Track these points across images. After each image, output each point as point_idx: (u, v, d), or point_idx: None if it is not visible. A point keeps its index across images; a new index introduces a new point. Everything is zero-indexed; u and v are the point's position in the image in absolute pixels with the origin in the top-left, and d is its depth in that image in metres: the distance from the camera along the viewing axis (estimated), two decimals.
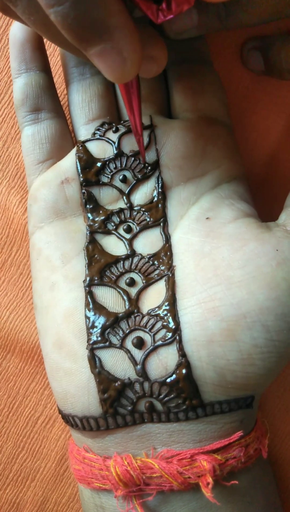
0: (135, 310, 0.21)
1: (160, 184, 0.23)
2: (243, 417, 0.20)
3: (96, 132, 0.24)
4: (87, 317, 0.21)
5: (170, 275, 0.21)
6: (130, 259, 0.22)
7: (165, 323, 0.20)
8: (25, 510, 0.27)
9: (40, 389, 0.28)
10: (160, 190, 0.23)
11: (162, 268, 0.22)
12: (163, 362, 0.20)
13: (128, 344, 0.20)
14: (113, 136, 0.23)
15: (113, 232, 0.23)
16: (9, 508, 0.28)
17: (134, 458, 0.20)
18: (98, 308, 0.21)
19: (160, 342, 0.20)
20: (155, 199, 0.23)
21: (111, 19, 0.15)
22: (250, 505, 0.21)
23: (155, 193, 0.23)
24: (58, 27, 0.15)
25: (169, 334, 0.20)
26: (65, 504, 0.27)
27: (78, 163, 0.23)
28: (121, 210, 0.23)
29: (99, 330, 0.20)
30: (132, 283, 0.22)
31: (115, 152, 0.23)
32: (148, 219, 0.23)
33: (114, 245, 0.23)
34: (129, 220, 0.23)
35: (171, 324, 0.20)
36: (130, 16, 0.16)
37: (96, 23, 0.15)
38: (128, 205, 0.23)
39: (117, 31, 0.15)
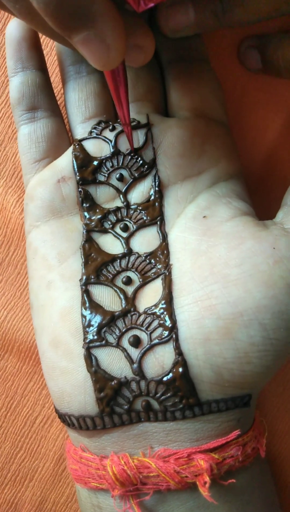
0: (132, 309, 0.21)
1: (157, 183, 0.23)
2: (240, 416, 0.20)
3: (92, 130, 0.24)
4: (83, 316, 0.21)
5: (167, 273, 0.21)
6: (127, 257, 0.22)
7: (161, 322, 0.20)
8: (23, 510, 0.27)
9: (38, 388, 0.28)
10: (157, 188, 0.23)
11: (159, 266, 0.22)
12: (159, 361, 0.20)
13: (125, 342, 0.20)
14: (110, 135, 0.23)
15: (109, 230, 0.23)
16: (7, 508, 0.28)
17: (131, 457, 0.20)
18: (95, 306, 0.21)
19: (156, 341, 0.20)
20: (152, 197, 0.23)
21: (94, 6, 0.15)
22: (248, 504, 0.21)
23: (152, 191, 0.23)
24: (42, 14, 0.15)
25: (166, 333, 0.20)
26: (63, 504, 0.27)
27: (74, 161, 0.23)
28: (118, 208, 0.23)
29: (95, 329, 0.20)
30: (128, 281, 0.22)
31: (112, 150, 0.23)
32: (145, 218, 0.23)
33: (110, 244, 0.23)
34: (126, 219, 0.23)
35: (168, 323, 0.20)
36: (113, 3, 0.16)
37: (79, 10, 0.15)
38: (124, 203, 0.23)
39: (100, 18, 0.15)
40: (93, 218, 0.23)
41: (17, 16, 0.19)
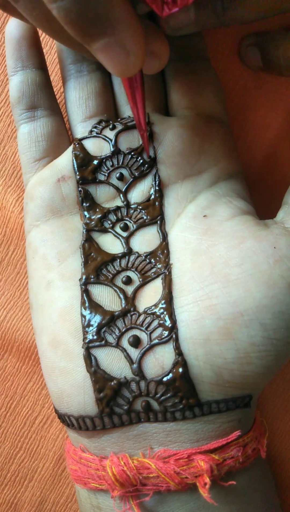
0: (132, 309, 0.21)
1: (157, 182, 0.23)
2: (241, 417, 0.20)
3: (93, 129, 0.24)
4: (83, 316, 0.21)
5: (167, 273, 0.21)
6: (127, 257, 0.22)
7: (161, 322, 0.20)
8: (23, 510, 0.27)
9: (37, 388, 0.27)
10: (157, 188, 0.23)
11: (159, 266, 0.21)
12: (159, 361, 0.19)
13: (124, 342, 0.20)
14: (110, 134, 0.23)
15: (109, 230, 0.23)
16: (7, 508, 0.27)
17: (130, 458, 0.20)
18: (94, 306, 0.21)
19: (156, 341, 0.20)
20: (152, 197, 0.23)
21: (114, 13, 0.15)
22: (249, 505, 0.20)
23: (152, 191, 0.23)
24: (61, 22, 0.15)
25: (166, 333, 0.20)
26: (63, 504, 0.27)
27: (74, 161, 0.23)
28: (118, 208, 0.23)
29: (95, 329, 0.20)
30: (128, 281, 0.21)
31: (112, 149, 0.23)
32: (145, 217, 0.22)
33: (110, 243, 0.22)
34: (126, 218, 0.23)
35: (168, 323, 0.20)
36: (133, 9, 0.16)
37: (99, 17, 0.15)
38: (125, 203, 0.23)
39: (120, 25, 0.15)
40: (93, 217, 0.23)
41: (32, 24, 0.18)
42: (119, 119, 0.24)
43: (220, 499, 0.20)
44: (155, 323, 0.20)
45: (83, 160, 0.23)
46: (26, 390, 0.27)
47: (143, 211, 0.23)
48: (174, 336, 0.19)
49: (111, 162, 0.23)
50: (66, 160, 0.23)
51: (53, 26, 0.17)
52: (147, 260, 0.22)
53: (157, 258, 0.22)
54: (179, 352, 0.19)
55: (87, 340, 0.20)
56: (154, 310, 0.20)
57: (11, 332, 0.27)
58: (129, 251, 0.22)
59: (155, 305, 0.20)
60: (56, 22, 0.16)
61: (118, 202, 0.23)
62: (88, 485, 0.20)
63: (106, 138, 0.23)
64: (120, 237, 0.22)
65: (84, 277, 0.21)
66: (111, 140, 0.23)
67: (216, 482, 0.19)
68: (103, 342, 0.20)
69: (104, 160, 0.23)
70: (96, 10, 0.15)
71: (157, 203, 0.22)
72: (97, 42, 0.16)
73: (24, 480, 0.27)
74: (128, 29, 0.15)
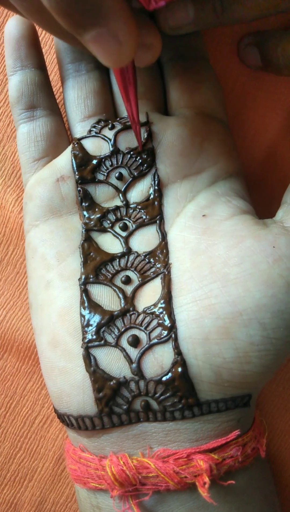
0: (131, 308, 0.21)
1: (156, 182, 0.23)
2: (240, 416, 0.20)
3: (91, 129, 0.24)
4: (82, 316, 0.21)
5: (166, 272, 0.21)
6: (126, 257, 0.22)
7: (160, 321, 0.20)
8: (23, 510, 0.27)
9: (37, 388, 0.27)
10: (156, 187, 0.23)
11: (158, 266, 0.21)
12: (158, 361, 0.19)
13: (124, 342, 0.20)
14: (109, 133, 0.23)
15: (109, 230, 0.23)
16: (6, 508, 0.27)
17: (130, 457, 0.20)
18: (93, 306, 0.21)
19: (155, 340, 0.20)
20: (151, 196, 0.23)
21: (106, 3, 0.15)
22: (248, 504, 0.20)
23: (151, 190, 0.23)
24: (52, 12, 0.15)
25: (165, 332, 0.20)
26: (63, 504, 0.27)
27: (73, 160, 0.23)
28: (117, 207, 0.23)
29: (94, 329, 0.20)
30: (128, 281, 0.21)
31: (111, 149, 0.23)
32: (144, 217, 0.22)
33: (110, 243, 0.22)
34: (125, 218, 0.23)
35: (167, 322, 0.20)
36: (125, 1, 0.16)
37: (90, 7, 0.15)
38: (124, 202, 0.23)
39: (112, 15, 0.15)
40: (92, 217, 0.23)
41: (23, 15, 0.18)
42: (118, 119, 0.24)
43: (220, 498, 0.20)
44: (154, 322, 0.20)
45: (82, 159, 0.23)
46: (25, 390, 0.27)
47: (142, 211, 0.23)
48: (173, 335, 0.19)
49: (110, 162, 0.23)
50: (65, 159, 0.23)
51: (45, 17, 0.17)
52: (146, 260, 0.22)
53: (156, 258, 0.22)
54: (178, 351, 0.19)
55: (86, 340, 0.20)
56: (153, 310, 0.20)
57: (11, 332, 0.27)
58: (129, 251, 0.22)
59: (154, 305, 0.20)
60: (47, 13, 0.16)
61: (117, 202, 0.23)
62: (87, 485, 0.20)
63: (105, 138, 0.23)
64: (119, 237, 0.22)
65: (83, 276, 0.21)
66: (110, 140, 0.23)
67: (215, 481, 0.19)
68: (102, 341, 0.20)
69: (103, 160, 0.23)
70: (87, 0, 0.15)
71: (156, 202, 0.22)
72: (89, 32, 0.15)
73: (24, 480, 0.27)
74: (120, 19, 0.15)
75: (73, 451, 0.21)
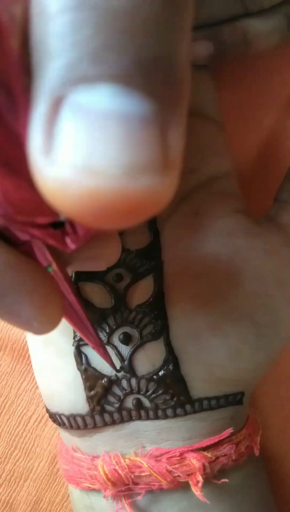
0: (122, 306, 0.20)
1: None
2: (233, 414, 0.20)
3: None
4: None
5: (158, 270, 0.21)
6: None
7: (152, 319, 0.20)
8: (19, 509, 0.27)
9: (32, 387, 0.27)
10: None
11: (150, 263, 0.21)
12: (150, 358, 0.19)
13: (115, 340, 0.20)
14: None
15: None
16: (2, 507, 0.27)
17: (122, 457, 0.19)
18: (85, 304, 0.20)
19: (147, 338, 0.19)
20: None
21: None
22: (242, 503, 0.20)
23: None
24: None
25: (157, 330, 0.19)
26: (58, 503, 0.27)
27: None
28: None
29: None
30: (119, 278, 0.21)
31: None
32: None
33: None
34: None
35: (159, 319, 0.19)
36: (33, 269, 0.12)
37: None
38: None
39: (5, 293, 0.12)
40: None
41: None
42: None
43: (213, 497, 0.19)
44: (146, 320, 0.20)
45: None
46: (20, 389, 0.27)
47: None
48: (165, 333, 0.19)
49: None
50: None
51: None
52: (138, 257, 0.21)
53: (148, 255, 0.21)
54: (170, 349, 0.19)
55: (77, 338, 0.20)
56: (145, 307, 0.20)
57: (5, 331, 0.27)
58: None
59: (146, 302, 0.20)
60: None
61: None
62: (80, 485, 0.20)
63: None
64: None
65: (73, 275, 0.21)
66: None
67: (209, 480, 0.19)
68: None
69: None
70: None
71: None
72: None
73: (19, 480, 0.27)
74: (20, 296, 0.12)
75: (65, 451, 0.21)
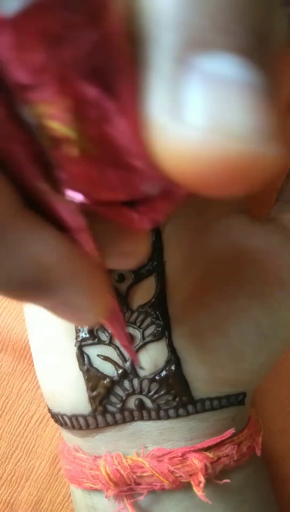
0: (125, 306, 0.20)
1: None
2: (235, 414, 0.20)
3: None
4: None
5: (160, 270, 0.21)
6: None
7: (154, 319, 0.20)
8: (20, 510, 0.27)
9: (33, 387, 0.27)
10: None
11: (152, 263, 0.21)
12: (152, 359, 0.19)
13: (117, 340, 0.20)
14: None
15: None
16: (3, 508, 0.27)
17: (124, 457, 0.19)
18: None
19: (149, 338, 0.19)
20: None
21: (51, 273, 0.11)
22: (244, 503, 0.20)
23: None
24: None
25: (159, 330, 0.19)
26: (60, 503, 0.27)
27: None
28: None
29: (87, 327, 0.20)
30: (121, 279, 0.21)
31: None
32: None
33: None
34: None
35: (161, 320, 0.19)
36: (85, 259, 0.12)
37: (32, 279, 0.11)
38: None
39: (63, 284, 0.11)
40: None
41: None
42: None
43: (215, 497, 0.19)
44: (148, 320, 0.20)
45: None
46: (21, 389, 0.27)
47: None
48: (167, 333, 0.19)
49: None
50: None
51: None
52: None
53: (150, 256, 0.21)
54: (172, 349, 0.19)
55: (79, 339, 0.20)
56: (147, 308, 0.20)
57: (6, 331, 0.27)
58: None
59: (148, 303, 0.20)
60: None
61: None
62: (82, 485, 0.20)
63: None
64: None
65: None
66: None
67: (210, 480, 0.19)
68: (96, 340, 0.20)
69: None
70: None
71: None
72: (41, 303, 0.12)
73: (20, 480, 0.27)
74: (76, 286, 0.12)
75: (67, 451, 0.21)
